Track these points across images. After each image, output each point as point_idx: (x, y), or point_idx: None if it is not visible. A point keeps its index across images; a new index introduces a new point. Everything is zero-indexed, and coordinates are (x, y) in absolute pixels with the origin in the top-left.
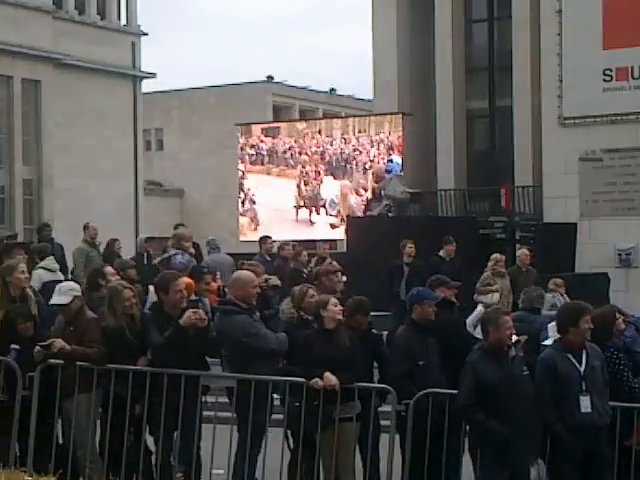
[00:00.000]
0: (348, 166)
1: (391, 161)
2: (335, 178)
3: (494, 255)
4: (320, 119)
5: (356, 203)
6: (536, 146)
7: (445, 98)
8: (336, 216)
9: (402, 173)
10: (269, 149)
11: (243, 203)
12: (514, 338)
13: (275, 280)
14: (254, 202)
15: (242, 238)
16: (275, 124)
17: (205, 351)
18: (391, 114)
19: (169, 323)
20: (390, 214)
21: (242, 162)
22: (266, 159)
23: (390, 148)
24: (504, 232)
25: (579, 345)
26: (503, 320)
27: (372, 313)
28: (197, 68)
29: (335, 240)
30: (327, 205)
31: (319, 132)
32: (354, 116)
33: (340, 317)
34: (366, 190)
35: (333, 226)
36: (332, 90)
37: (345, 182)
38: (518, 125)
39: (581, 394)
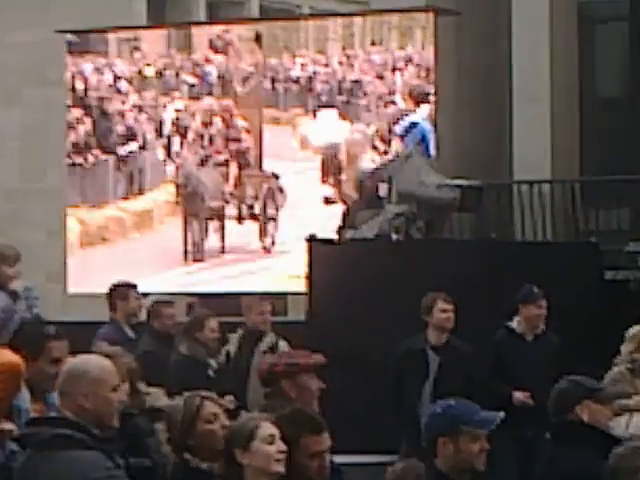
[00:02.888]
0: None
1: (414, 125)
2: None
3: (636, 328)
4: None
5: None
6: None
7: None
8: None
9: (432, 151)
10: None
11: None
12: None
13: (154, 395)
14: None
15: (73, 289)
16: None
17: None
18: (417, 11)
19: None
20: (400, 234)
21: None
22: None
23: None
24: None
25: None
26: None
27: (361, 451)
28: None
29: (282, 294)
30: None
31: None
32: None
33: (281, 469)
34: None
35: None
36: None
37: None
38: None
39: None
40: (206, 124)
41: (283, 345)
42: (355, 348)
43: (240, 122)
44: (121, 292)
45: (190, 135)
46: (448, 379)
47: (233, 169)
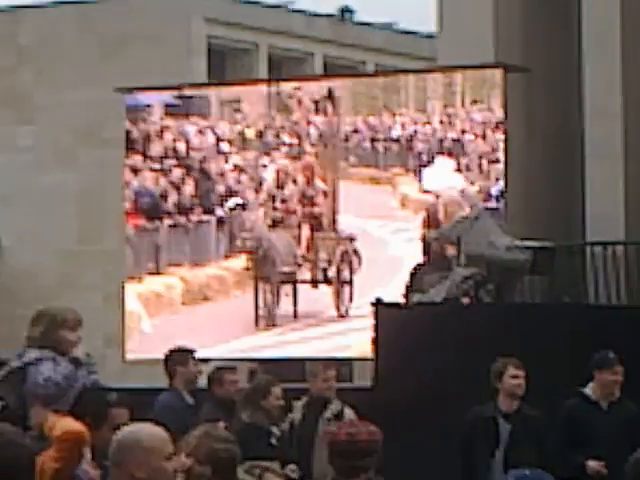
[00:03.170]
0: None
1: (502, 195)
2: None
3: None
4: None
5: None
6: None
7: (604, 31)
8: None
9: (500, 209)
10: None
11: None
12: None
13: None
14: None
15: (131, 355)
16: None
17: None
18: (486, 67)
19: None
20: (468, 298)
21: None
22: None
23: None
24: None
25: None
26: None
27: None
28: None
29: (348, 360)
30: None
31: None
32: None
33: None
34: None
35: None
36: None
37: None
38: None
39: None
40: (281, 185)
41: (349, 413)
42: (422, 415)
43: (319, 184)
44: (179, 358)
45: (262, 196)
46: (520, 448)
47: (305, 231)
